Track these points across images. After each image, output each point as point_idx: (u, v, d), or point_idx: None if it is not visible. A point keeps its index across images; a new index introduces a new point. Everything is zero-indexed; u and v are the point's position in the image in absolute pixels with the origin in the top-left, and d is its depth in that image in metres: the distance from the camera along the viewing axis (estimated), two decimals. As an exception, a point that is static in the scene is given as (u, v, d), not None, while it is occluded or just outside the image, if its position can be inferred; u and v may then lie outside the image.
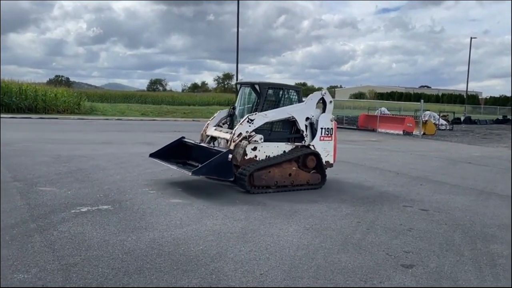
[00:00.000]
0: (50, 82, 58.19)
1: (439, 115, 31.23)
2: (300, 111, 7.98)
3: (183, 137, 8.58)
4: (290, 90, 8.26)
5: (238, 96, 8.55)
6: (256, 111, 7.68)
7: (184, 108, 38.86)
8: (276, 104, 7.98)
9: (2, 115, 23.47)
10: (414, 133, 23.06)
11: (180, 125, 23.10)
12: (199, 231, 5.14)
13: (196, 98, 58.30)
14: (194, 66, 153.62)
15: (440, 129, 27.38)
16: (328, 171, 8.16)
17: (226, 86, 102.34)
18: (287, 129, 7.99)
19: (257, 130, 7.45)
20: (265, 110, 7.68)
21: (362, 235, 5.31)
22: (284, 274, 4.01)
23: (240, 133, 7.30)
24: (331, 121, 8.25)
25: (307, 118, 8.04)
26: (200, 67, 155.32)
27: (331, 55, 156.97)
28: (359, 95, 77.44)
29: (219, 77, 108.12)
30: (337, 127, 8.65)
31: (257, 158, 7.37)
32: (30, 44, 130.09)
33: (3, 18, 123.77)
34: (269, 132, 7.75)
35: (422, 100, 26.25)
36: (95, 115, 29.32)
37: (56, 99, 29.33)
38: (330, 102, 8.34)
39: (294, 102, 8.15)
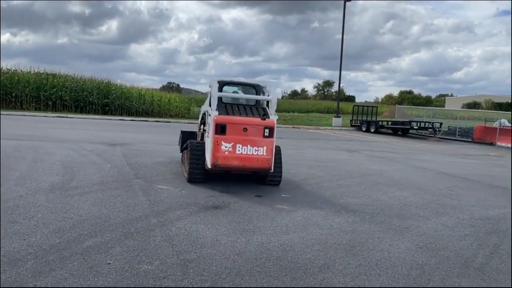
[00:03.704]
0: (163, 88, 63.51)
1: None
2: (205, 106, 8.32)
3: None
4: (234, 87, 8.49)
5: None
6: None
7: (283, 115, 39.41)
8: None
9: (125, 118, 26.15)
10: (542, 148, 20.39)
11: (280, 132, 23.40)
12: (305, 239, 5.13)
13: (296, 105, 58.72)
14: (295, 73, 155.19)
15: None
16: (438, 185, 7.56)
17: (326, 93, 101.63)
18: None
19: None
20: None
21: (485, 260, 4.82)
22: (397, 293, 3.80)
23: None
24: (209, 115, 7.47)
25: (207, 113, 7.84)
26: (301, 74, 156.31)
27: (442, 62, 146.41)
28: (473, 105, 70.93)
29: (319, 84, 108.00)
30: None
31: None
32: (148, 53, 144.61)
33: (127, 30, 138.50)
34: None
35: (553, 112, 23.13)
36: (202, 119, 31.09)
37: (169, 104, 31.91)
38: (213, 95, 7.55)
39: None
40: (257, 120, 7.48)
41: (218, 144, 7.20)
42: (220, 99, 7.88)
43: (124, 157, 10.22)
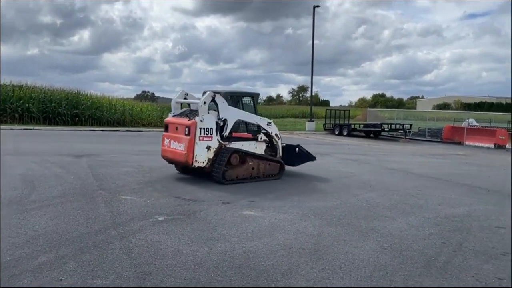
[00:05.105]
0: (137, 97, 62.56)
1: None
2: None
3: None
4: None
5: None
6: None
7: (259, 121, 39.35)
8: None
9: (95, 128, 25.61)
10: (507, 146, 21.04)
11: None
12: (270, 245, 5.05)
13: (271, 111, 58.91)
14: (270, 79, 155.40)
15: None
16: (406, 185, 7.65)
17: (301, 98, 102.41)
18: None
19: None
20: None
21: (447, 258, 4.85)
22: (359, 296, 3.75)
23: None
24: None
25: None
26: (276, 80, 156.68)
27: (413, 65, 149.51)
28: (444, 106, 72.82)
29: (294, 89, 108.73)
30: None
31: None
32: (122, 63, 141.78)
33: (100, 40, 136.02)
34: None
35: (516, 110, 23.93)
36: (175, 128, 30.71)
37: (142, 113, 31.33)
38: (172, 102, 9.52)
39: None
40: (184, 120, 8.60)
41: (163, 140, 9.14)
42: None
43: (90, 169, 9.93)
